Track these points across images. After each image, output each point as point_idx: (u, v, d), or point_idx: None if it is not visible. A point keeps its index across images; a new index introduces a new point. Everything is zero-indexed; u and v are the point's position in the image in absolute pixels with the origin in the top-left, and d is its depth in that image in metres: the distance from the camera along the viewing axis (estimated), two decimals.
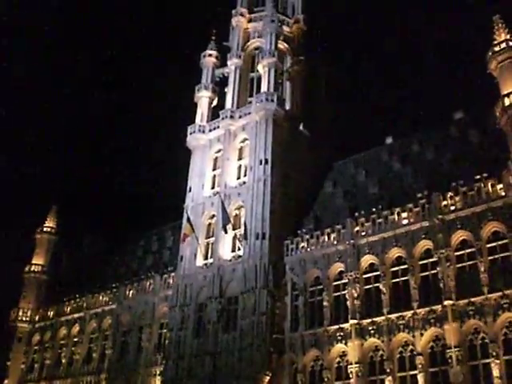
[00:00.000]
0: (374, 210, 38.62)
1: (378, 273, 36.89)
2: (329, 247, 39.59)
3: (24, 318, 58.27)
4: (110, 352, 49.10)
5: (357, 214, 39.30)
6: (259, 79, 49.84)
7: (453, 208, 35.22)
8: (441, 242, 34.63)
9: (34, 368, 55.95)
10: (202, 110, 51.89)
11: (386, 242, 37.18)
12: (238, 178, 46.50)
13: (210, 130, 50.01)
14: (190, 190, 48.56)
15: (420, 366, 32.80)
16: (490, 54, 37.08)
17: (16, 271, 61.25)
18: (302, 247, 40.95)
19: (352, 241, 38.31)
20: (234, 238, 44.21)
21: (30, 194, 78.20)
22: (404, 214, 37.04)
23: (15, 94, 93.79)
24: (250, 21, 54.58)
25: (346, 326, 36.49)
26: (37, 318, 58.44)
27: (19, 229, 67.19)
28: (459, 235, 34.68)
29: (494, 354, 30.60)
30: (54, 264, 62.13)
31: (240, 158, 47.47)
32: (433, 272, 34.82)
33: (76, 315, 54.49)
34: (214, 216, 46.16)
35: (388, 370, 33.87)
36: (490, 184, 34.20)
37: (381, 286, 36.27)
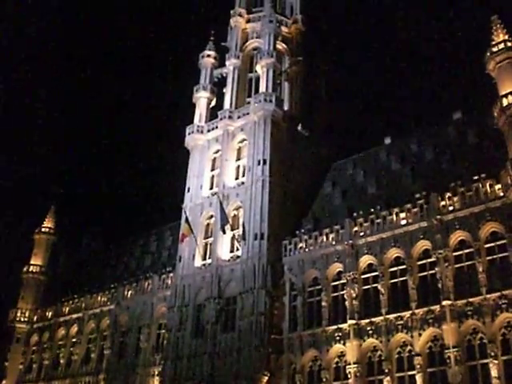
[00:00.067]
0: (372, 210, 38.64)
1: (377, 273, 36.89)
2: (327, 247, 39.59)
3: (22, 319, 58.20)
4: (109, 352, 49.06)
5: (355, 214, 39.30)
6: (257, 80, 49.87)
7: (451, 208, 35.23)
8: (439, 243, 34.65)
9: (33, 368, 55.88)
10: (201, 110, 51.89)
11: (385, 242, 37.19)
12: (237, 178, 46.49)
13: (209, 131, 50.01)
14: (188, 191, 48.56)
15: (418, 367, 32.80)
16: (489, 54, 37.05)
17: (14, 271, 61.25)
18: (301, 247, 40.95)
19: (350, 241, 38.31)
20: (233, 238, 44.21)
21: (29, 195, 78.21)
22: (402, 215, 37.04)
23: (15, 93, 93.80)
24: (248, 21, 54.62)
25: (344, 326, 36.49)
26: (35, 318, 58.38)
27: (18, 229, 67.23)
28: (457, 235, 34.69)
29: (493, 354, 30.61)
30: (53, 264, 62.14)
31: (238, 159, 47.46)
32: (431, 272, 34.82)
33: (74, 316, 54.43)
34: (212, 216, 46.15)
35: (386, 371, 33.87)
36: (488, 184, 34.21)
37: (379, 287, 36.28)
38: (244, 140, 47.42)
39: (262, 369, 37.41)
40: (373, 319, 35.56)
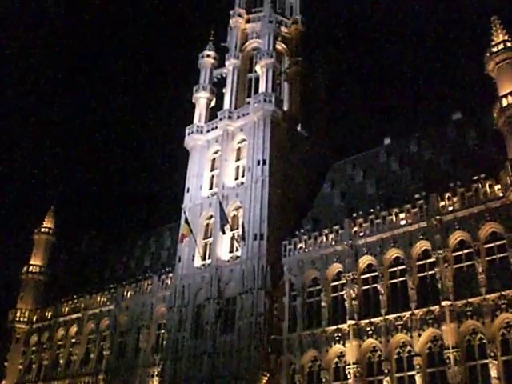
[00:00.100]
0: (371, 210, 38.65)
1: (376, 273, 36.89)
2: (327, 248, 39.58)
3: (22, 319, 58.12)
4: (108, 353, 49.02)
5: (355, 214, 39.28)
6: (257, 80, 49.88)
7: (451, 209, 35.23)
8: (439, 243, 34.64)
9: (32, 369, 55.77)
10: (200, 110, 51.88)
11: (384, 242, 37.19)
12: (236, 178, 46.49)
13: (208, 131, 50.00)
14: (187, 191, 48.54)
15: (418, 367, 32.77)
16: (488, 54, 37.03)
17: (14, 272, 61.26)
18: (300, 248, 40.94)
19: (350, 241, 38.31)
20: (232, 238, 44.19)
21: (29, 195, 78.31)
22: (402, 215, 37.04)
23: (15, 94, 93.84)
24: (248, 21, 54.65)
25: (343, 326, 36.47)
26: (35, 318, 58.30)
27: (17, 229, 67.39)
28: (457, 236, 34.69)
29: (492, 354, 30.61)
30: (52, 265, 62.08)
31: (238, 159, 47.45)
32: (431, 273, 34.81)
33: (74, 316, 54.35)
34: (211, 217, 46.14)
35: (386, 371, 33.84)
36: (487, 185, 34.21)
37: (379, 287, 36.28)
38: (244, 140, 47.42)
39: (261, 369, 37.38)
40: (372, 319, 35.55)
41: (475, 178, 34.77)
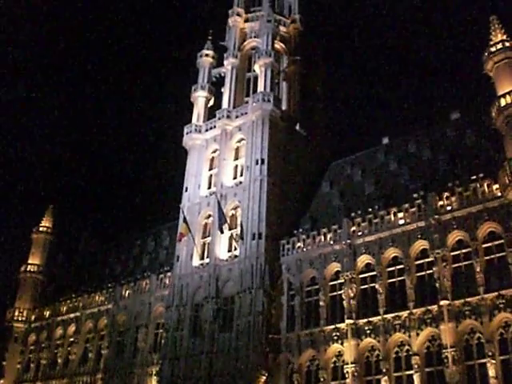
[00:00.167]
0: (370, 210, 38.68)
1: (375, 273, 36.90)
2: (325, 247, 39.59)
3: (20, 318, 58.03)
4: (106, 352, 49.00)
5: (353, 214, 39.33)
6: (256, 79, 49.84)
7: (449, 208, 35.26)
8: (437, 242, 34.67)
9: (30, 368, 55.73)
10: (199, 109, 51.85)
11: (383, 242, 37.20)
12: (235, 177, 46.47)
13: (207, 130, 49.97)
14: (186, 190, 48.51)
15: (416, 366, 32.81)
16: (487, 54, 37.05)
17: (12, 271, 61.17)
18: (299, 247, 40.95)
19: (348, 241, 38.32)
20: (231, 237, 44.15)
21: (27, 194, 78.19)
22: (400, 214, 37.06)
23: (14, 93, 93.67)
24: (246, 21, 54.61)
25: (342, 325, 36.49)
26: (33, 317, 58.23)
27: (15, 228, 67.18)
28: (455, 235, 34.73)
29: (490, 354, 30.66)
30: (50, 264, 61.95)
31: (236, 158, 47.43)
32: (429, 272, 34.85)
33: (72, 315, 54.31)
34: (210, 216, 46.13)
35: (384, 370, 33.86)
36: (486, 184, 34.26)
37: (377, 286, 36.30)
38: (242, 139, 47.40)
39: (259, 368, 37.36)
40: (370, 319, 35.57)
41: (473, 177, 34.83)
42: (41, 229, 62.67)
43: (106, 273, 58.92)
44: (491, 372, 30.26)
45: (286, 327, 39.05)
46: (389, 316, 34.94)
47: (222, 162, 47.33)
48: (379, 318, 35.25)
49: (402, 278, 35.69)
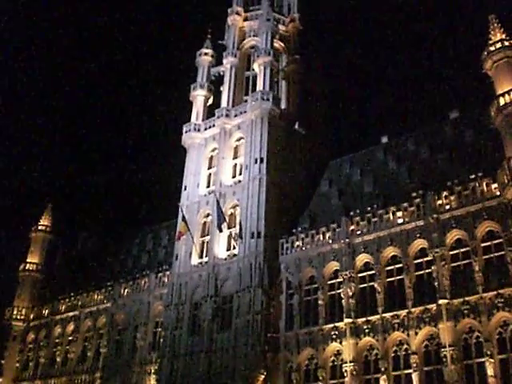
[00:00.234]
0: (369, 208, 38.68)
1: (373, 272, 36.92)
2: (324, 246, 39.59)
3: (19, 317, 57.98)
4: (105, 350, 48.99)
5: (352, 212, 39.33)
6: (255, 78, 49.85)
7: (448, 207, 35.27)
8: (436, 241, 34.68)
9: (29, 366, 55.71)
10: (198, 108, 51.81)
11: (381, 240, 37.21)
12: (234, 176, 46.48)
13: (206, 129, 49.95)
14: (185, 189, 48.49)
15: (414, 365, 32.85)
16: (486, 53, 37.01)
17: (11, 269, 61.16)
18: (297, 246, 40.95)
19: (347, 240, 38.32)
20: (229, 236, 44.16)
21: (26, 193, 78.18)
22: (399, 213, 37.07)
23: (14, 93, 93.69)
24: (245, 19, 54.61)
25: (340, 324, 36.50)
26: (31, 316, 58.19)
27: (14, 227, 67.20)
28: (454, 234, 34.74)
29: (489, 353, 30.67)
30: (49, 262, 61.95)
31: (235, 157, 47.43)
32: (427, 271, 34.86)
33: (71, 314, 54.30)
34: (209, 215, 46.14)
35: (383, 369, 33.88)
36: (484, 183, 34.26)
37: (376, 285, 36.30)
38: (241, 138, 47.40)
39: (258, 367, 37.40)
40: (369, 318, 35.58)
41: (472, 176, 34.83)
42: (40, 227, 62.62)
43: (104, 271, 58.79)
44: (490, 371, 30.27)
45: (285, 326, 39.05)
46: (387, 315, 34.96)
47: (221, 161, 47.32)
48: (378, 316, 35.27)
49: (401, 276, 35.70)
